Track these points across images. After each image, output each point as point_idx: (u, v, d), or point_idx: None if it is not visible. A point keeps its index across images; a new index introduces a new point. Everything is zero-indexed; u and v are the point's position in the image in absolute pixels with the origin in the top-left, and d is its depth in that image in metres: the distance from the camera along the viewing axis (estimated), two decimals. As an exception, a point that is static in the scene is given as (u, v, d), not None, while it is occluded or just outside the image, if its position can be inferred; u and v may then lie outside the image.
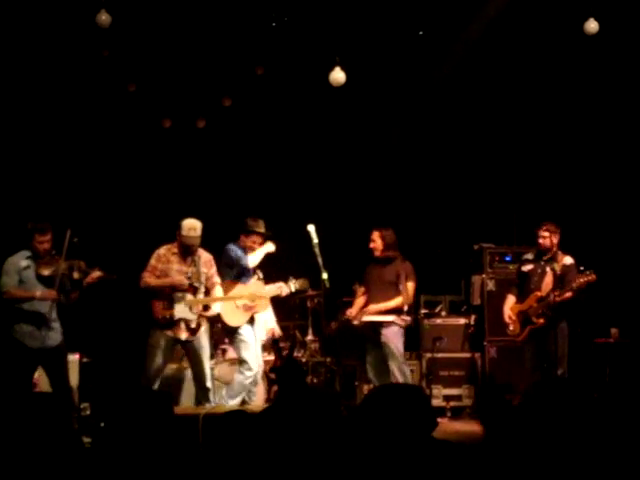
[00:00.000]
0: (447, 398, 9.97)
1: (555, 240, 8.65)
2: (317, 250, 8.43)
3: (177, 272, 8.34)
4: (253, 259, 8.71)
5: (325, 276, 8.40)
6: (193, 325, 8.36)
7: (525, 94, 10.91)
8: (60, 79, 10.22)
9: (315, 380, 9.66)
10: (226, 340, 9.84)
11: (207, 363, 8.54)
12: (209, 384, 8.49)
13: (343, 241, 10.82)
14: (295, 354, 9.84)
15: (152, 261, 8.39)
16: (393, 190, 11.72)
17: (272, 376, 9.21)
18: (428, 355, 10.04)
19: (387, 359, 8.91)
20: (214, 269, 8.58)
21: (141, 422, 3.40)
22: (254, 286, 8.79)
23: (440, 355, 10.06)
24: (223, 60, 10.34)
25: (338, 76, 9.11)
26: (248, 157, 11.58)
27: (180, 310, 8.28)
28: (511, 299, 8.87)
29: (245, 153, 11.57)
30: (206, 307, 8.44)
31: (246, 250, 8.76)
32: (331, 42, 9.19)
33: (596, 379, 9.61)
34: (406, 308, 9.03)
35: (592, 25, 8.87)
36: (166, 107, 11.02)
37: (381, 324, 8.94)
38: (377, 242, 9.10)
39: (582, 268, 8.54)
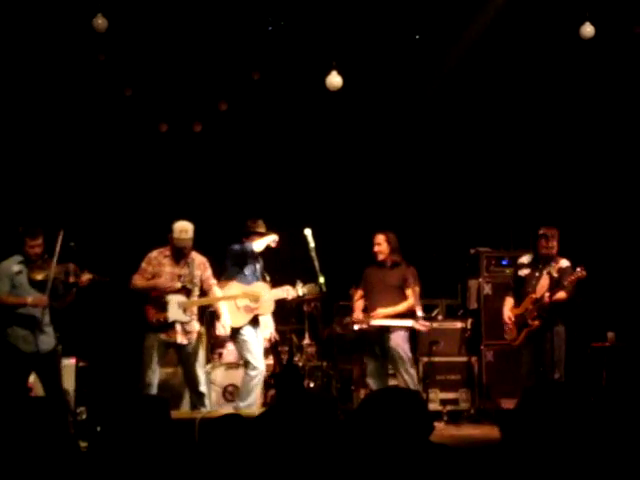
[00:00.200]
0: (444, 402, 9.97)
1: (556, 245, 8.64)
2: (314, 254, 8.44)
3: (170, 275, 8.33)
4: (257, 244, 8.68)
5: (322, 280, 8.41)
6: (188, 328, 8.36)
7: (522, 98, 10.92)
8: (57, 83, 10.22)
9: (312, 384, 9.66)
10: (228, 343, 9.88)
11: (200, 368, 8.52)
12: (202, 388, 8.48)
13: (339, 245, 10.83)
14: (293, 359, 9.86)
15: (143, 264, 8.41)
16: (389, 194, 11.72)
17: (271, 381, 9.23)
18: (425, 359, 10.03)
19: (395, 363, 8.93)
20: (209, 272, 8.58)
21: (137, 427, 3.40)
22: (258, 288, 8.76)
23: (437, 359, 10.06)
24: (219, 64, 10.34)
25: (335, 80, 9.12)
26: (244, 161, 11.59)
27: (173, 313, 8.27)
28: (510, 301, 8.84)
29: (241, 158, 11.58)
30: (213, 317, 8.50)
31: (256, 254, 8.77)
32: (327, 46, 9.20)
33: (593, 383, 9.62)
34: (420, 313, 9.05)
35: (588, 29, 8.88)
36: (162, 111, 11.03)
37: (389, 329, 8.94)
38: (383, 246, 9.07)
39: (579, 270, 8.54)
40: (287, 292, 8.83)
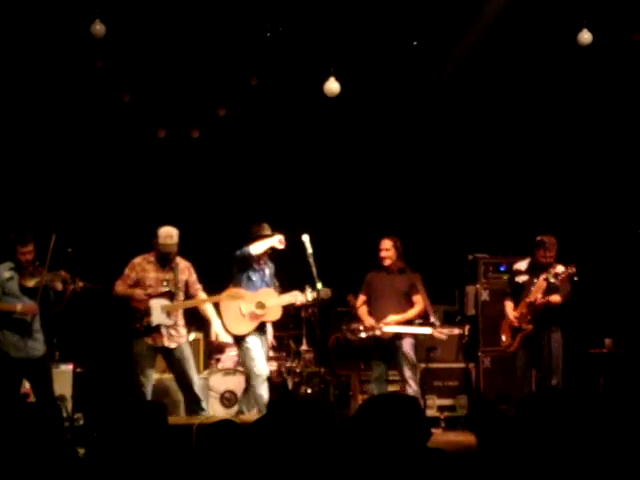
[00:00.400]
0: (441, 408, 9.95)
1: (554, 254, 8.64)
2: (311, 260, 8.43)
3: (154, 280, 8.35)
4: (255, 247, 8.58)
5: (320, 286, 8.40)
6: (173, 331, 8.35)
7: (519, 105, 10.93)
8: (54, 89, 10.22)
9: (309, 390, 9.64)
10: (227, 349, 9.88)
11: (192, 371, 8.48)
12: (197, 391, 8.45)
13: (336, 251, 10.81)
14: (289, 364, 9.83)
15: (126, 270, 8.44)
16: (386, 200, 11.72)
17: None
18: (422, 365, 9.99)
19: (403, 370, 8.95)
20: (194, 276, 8.58)
21: (135, 433, 3.39)
22: (264, 294, 8.69)
23: (434, 365, 10.04)
24: (217, 70, 10.34)
25: (332, 86, 9.12)
26: (242, 167, 11.59)
27: (157, 317, 8.28)
28: (510, 304, 8.83)
29: (239, 163, 11.58)
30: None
31: (261, 257, 8.69)
32: (325, 52, 9.21)
33: (590, 389, 9.61)
34: (433, 319, 9.05)
35: (586, 36, 8.89)
36: (160, 117, 11.03)
37: (401, 336, 8.93)
38: (391, 251, 9.05)
39: (576, 279, 8.55)
40: (295, 297, 8.73)
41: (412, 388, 8.91)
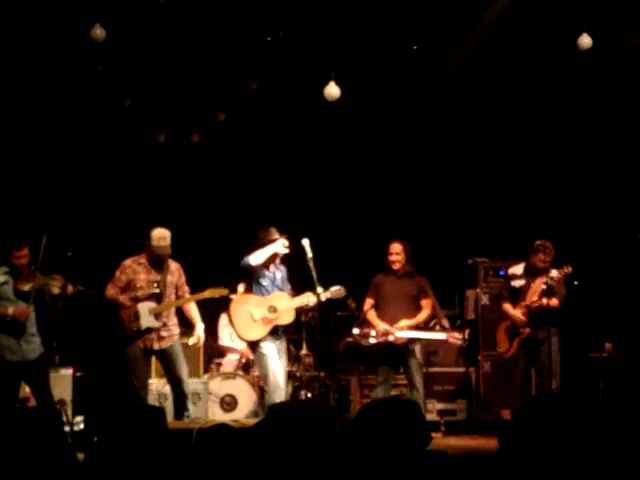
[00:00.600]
0: (441, 413, 9.95)
1: (551, 259, 8.65)
2: (311, 264, 8.41)
3: (145, 282, 8.33)
4: (255, 257, 8.48)
5: (320, 290, 8.38)
6: (163, 333, 8.34)
7: (519, 110, 10.94)
8: (55, 93, 10.23)
9: (309, 394, 9.64)
10: (228, 353, 9.85)
11: (183, 372, 8.42)
12: (186, 391, 8.42)
13: (337, 255, 10.81)
14: (289, 368, 9.82)
15: (117, 272, 8.41)
16: (386, 205, 11.73)
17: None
18: (422, 370, 10.01)
19: (413, 375, 8.96)
20: (184, 278, 8.54)
21: (134, 437, 3.39)
22: (275, 298, 8.57)
23: (434, 370, 10.05)
24: (217, 74, 10.35)
25: (332, 91, 9.13)
26: (242, 172, 11.59)
27: (145, 320, 8.27)
28: (510, 306, 8.84)
29: (239, 168, 11.58)
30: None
31: (271, 261, 8.62)
32: (325, 57, 9.22)
33: (590, 394, 9.61)
34: (446, 324, 9.04)
35: (586, 40, 8.90)
36: (161, 121, 11.03)
37: (413, 340, 8.95)
38: (401, 256, 9.02)
39: (576, 283, 8.55)
40: (308, 299, 8.56)
41: (420, 392, 8.94)
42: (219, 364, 10.21)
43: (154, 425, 3.52)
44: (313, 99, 9.64)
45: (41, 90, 10.11)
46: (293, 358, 10.00)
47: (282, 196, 11.53)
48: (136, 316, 8.26)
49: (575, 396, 9.36)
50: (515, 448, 3.18)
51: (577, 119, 10.90)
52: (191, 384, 9.19)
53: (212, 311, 10.14)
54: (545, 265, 8.59)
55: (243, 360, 10.05)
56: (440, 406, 10.03)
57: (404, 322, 8.90)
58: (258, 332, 8.49)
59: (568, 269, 8.42)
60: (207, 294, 8.53)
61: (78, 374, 8.79)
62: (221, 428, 3.73)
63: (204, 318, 8.88)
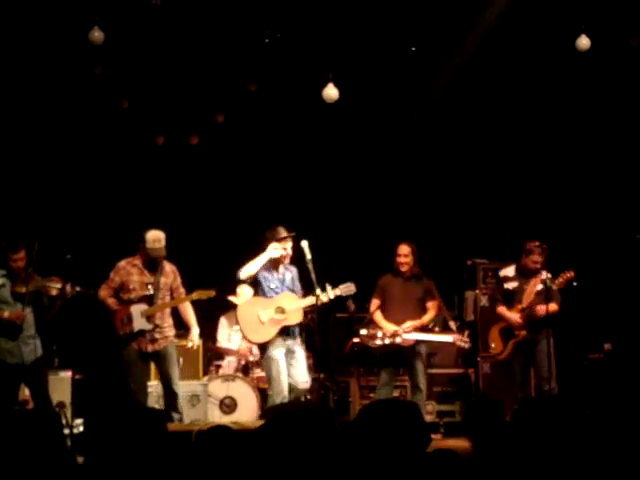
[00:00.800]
0: (440, 414, 9.94)
1: (545, 259, 8.67)
2: (310, 266, 8.39)
3: (138, 283, 8.33)
4: (245, 271, 8.40)
5: (319, 292, 8.36)
6: (157, 335, 8.34)
7: (517, 112, 10.94)
8: (53, 95, 10.23)
9: (308, 396, 9.62)
10: (227, 355, 9.84)
11: (174, 372, 8.41)
12: (176, 389, 8.41)
13: (337, 256, 10.81)
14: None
15: (111, 274, 8.42)
16: (385, 206, 11.73)
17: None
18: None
19: (418, 377, 8.95)
20: (179, 280, 8.53)
21: (134, 439, 3.39)
22: (283, 298, 8.49)
23: (433, 371, 10.03)
24: (216, 76, 10.35)
25: (331, 92, 9.13)
26: (241, 174, 11.59)
27: (137, 323, 8.27)
28: (505, 309, 8.85)
29: (238, 170, 11.58)
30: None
31: (278, 262, 8.54)
32: (324, 58, 9.21)
33: (589, 395, 9.60)
34: (453, 326, 9.03)
35: (584, 42, 8.91)
36: (159, 124, 11.03)
37: (420, 342, 8.95)
38: (409, 257, 9.00)
39: (575, 284, 8.55)
40: (318, 298, 8.41)
41: (423, 394, 8.94)
42: (218, 366, 10.21)
43: (153, 427, 3.51)
44: (312, 101, 9.64)
45: (40, 93, 10.11)
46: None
47: (282, 198, 11.53)
48: (129, 318, 8.26)
49: (574, 397, 9.36)
50: (515, 449, 3.18)
51: (576, 120, 10.90)
52: (190, 386, 9.22)
53: (211, 313, 10.15)
54: (537, 266, 8.61)
55: (242, 362, 10.04)
56: (439, 407, 10.02)
57: (409, 323, 8.89)
58: (265, 334, 8.42)
59: (570, 274, 8.43)
60: (195, 296, 8.54)
61: (77, 377, 8.78)
62: (220, 430, 3.72)
63: (203, 320, 8.89)
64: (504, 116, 11.08)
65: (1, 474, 3.31)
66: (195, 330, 8.59)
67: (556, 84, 10.45)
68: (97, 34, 8.39)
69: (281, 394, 8.31)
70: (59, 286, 7.89)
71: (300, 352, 8.51)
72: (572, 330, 9.58)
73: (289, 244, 8.55)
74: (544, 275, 8.52)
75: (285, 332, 8.46)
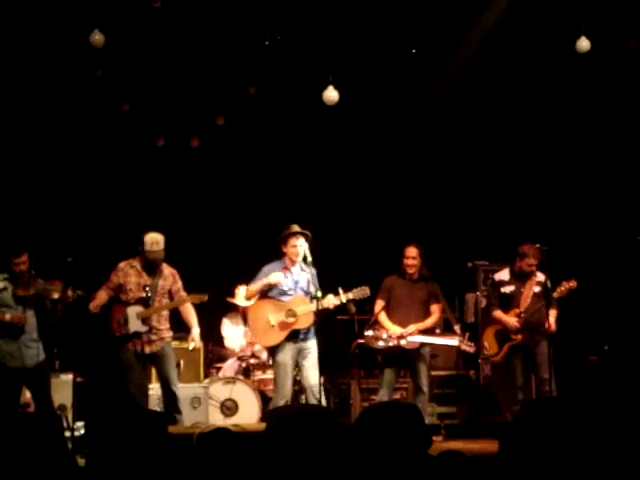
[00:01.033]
0: (441, 416, 9.93)
1: (538, 261, 8.69)
2: (311, 268, 8.41)
3: (136, 285, 8.36)
4: (243, 299, 8.57)
5: (319, 294, 8.35)
6: (153, 336, 8.34)
7: (517, 113, 10.95)
8: (54, 98, 10.23)
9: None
10: (229, 358, 9.82)
11: (172, 372, 8.44)
12: (175, 390, 8.42)
13: (336, 258, 10.81)
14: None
15: (111, 275, 8.48)
16: (386, 208, 11.73)
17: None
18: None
19: (421, 379, 8.95)
20: (179, 284, 8.54)
21: (135, 442, 3.39)
22: (294, 301, 8.45)
23: (434, 373, 10.02)
24: (216, 79, 10.36)
25: (331, 95, 9.13)
26: (242, 176, 11.60)
27: (133, 324, 8.28)
28: (501, 313, 8.86)
29: (239, 172, 11.58)
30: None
31: (291, 261, 8.50)
32: (324, 61, 9.22)
33: (590, 397, 9.60)
34: (458, 330, 9.04)
35: (584, 43, 8.91)
36: (160, 126, 11.03)
37: (424, 344, 8.96)
38: (417, 260, 8.98)
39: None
40: (329, 301, 8.37)
41: (426, 396, 8.96)
42: (219, 368, 10.21)
43: (154, 430, 3.51)
44: (312, 103, 9.64)
45: (40, 96, 10.11)
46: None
47: (283, 201, 11.52)
48: (125, 320, 8.29)
49: (575, 399, 9.36)
50: (516, 451, 3.18)
51: (576, 123, 10.90)
52: (191, 389, 9.23)
53: (213, 316, 10.16)
54: (532, 269, 8.64)
55: (243, 365, 10.04)
56: (440, 409, 10.00)
57: (413, 326, 8.88)
58: (275, 338, 8.40)
59: (572, 284, 8.44)
60: (188, 300, 8.55)
61: (79, 379, 8.78)
62: (221, 433, 3.72)
63: (206, 323, 8.90)
64: (505, 119, 11.08)
65: (3, 476, 3.31)
66: (196, 330, 8.60)
67: (556, 86, 10.45)
68: (98, 37, 8.39)
69: (285, 399, 8.32)
70: (61, 289, 7.91)
71: (313, 354, 8.44)
72: (573, 332, 9.57)
73: (300, 241, 8.48)
74: (540, 277, 8.54)
75: (296, 335, 8.42)
